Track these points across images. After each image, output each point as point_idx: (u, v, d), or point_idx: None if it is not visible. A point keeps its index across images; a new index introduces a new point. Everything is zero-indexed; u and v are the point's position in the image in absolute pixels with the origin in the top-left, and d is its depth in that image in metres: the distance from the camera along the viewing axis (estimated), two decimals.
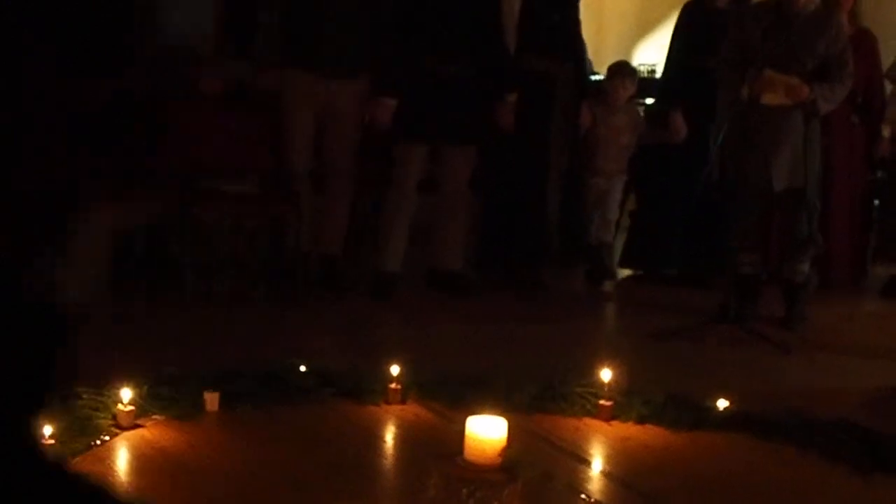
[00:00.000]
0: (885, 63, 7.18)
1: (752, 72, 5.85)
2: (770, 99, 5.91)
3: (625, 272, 7.32)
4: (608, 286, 7.06)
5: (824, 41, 5.96)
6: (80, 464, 3.70)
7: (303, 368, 4.68)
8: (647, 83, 7.97)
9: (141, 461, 3.86)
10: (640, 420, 4.51)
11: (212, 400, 4.35)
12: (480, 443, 3.58)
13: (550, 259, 6.79)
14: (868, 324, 6.43)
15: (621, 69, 7.14)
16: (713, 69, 6.25)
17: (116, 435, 4.02)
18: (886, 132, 7.11)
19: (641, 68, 8.85)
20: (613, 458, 4.20)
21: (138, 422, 4.13)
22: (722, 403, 4.60)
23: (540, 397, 4.62)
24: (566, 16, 6.62)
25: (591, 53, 9.14)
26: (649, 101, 7.75)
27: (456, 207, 6.51)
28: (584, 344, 5.67)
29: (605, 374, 4.57)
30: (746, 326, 5.94)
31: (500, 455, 3.61)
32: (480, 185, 6.63)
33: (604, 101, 6.98)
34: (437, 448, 3.92)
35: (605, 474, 4.04)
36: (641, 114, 7.32)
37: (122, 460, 3.85)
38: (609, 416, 4.52)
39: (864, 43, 6.92)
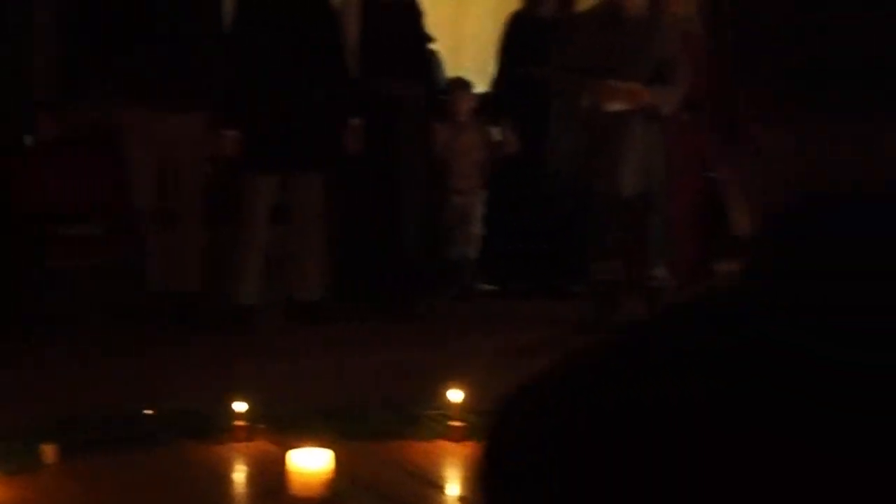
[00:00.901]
0: None
1: (591, 80, 5.86)
2: (611, 105, 5.92)
3: (485, 287, 7.23)
4: (469, 304, 6.97)
5: (657, 44, 5.99)
6: None
7: (147, 412, 4.56)
8: None
9: None
10: None
11: (49, 451, 4.20)
12: (304, 476, 3.50)
13: (417, 284, 6.71)
14: None
15: (457, 84, 7.10)
16: (543, 80, 6.25)
17: None
18: None
19: None
20: (464, 480, 4.14)
21: None
22: None
23: (391, 422, 4.55)
24: (410, 35, 6.57)
25: (452, 69, 9.12)
26: None
27: (310, 236, 6.41)
28: (441, 365, 5.58)
29: (455, 395, 4.52)
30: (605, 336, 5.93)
31: (325, 487, 3.53)
32: (335, 212, 6.53)
33: (450, 119, 6.94)
34: (272, 485, 3.83)
35: (455, 497, 3.98)
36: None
37: None
38: (461, 437, 4.46)
39: (696, 43, 6.97)
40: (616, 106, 5.93)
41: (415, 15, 6.65)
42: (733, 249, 6.95)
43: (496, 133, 7.10)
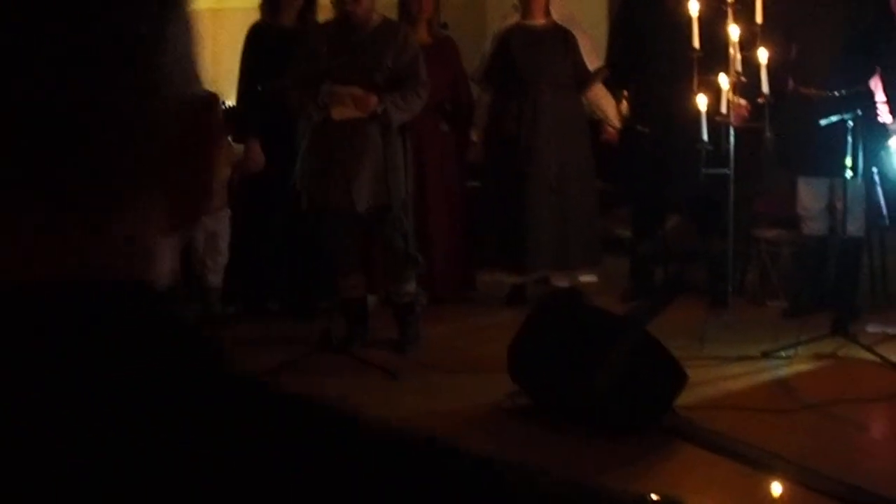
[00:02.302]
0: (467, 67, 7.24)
1: (319, 89, 5.79)
2: (340, 113, 5.84)
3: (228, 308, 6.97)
4: (213, 327, 6.76)
5: (391, 53, 5.95)
6: None
7: None
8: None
9: None
10: None
11: None
12: None
13: None
14: (479, 337, 6.39)
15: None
16: (281, 93, 6.13)
17: None
18: (476, 137, 7.16)
19: None
20: None
21: None
22: None
23: None
24: None
25: (207, 82, 8.84)
26: None
27: None
28: None
29: None
30: (353, 354, 5.86)
31: None
32: None
33: None
34: None
35: None
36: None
37: None
38: None
39: (443, 50, 6.95)
40: (346, 113, 5.85)
41: None
42: (497, 259, 6.98)
43: (239, 149, 6.91)
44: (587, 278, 7.22)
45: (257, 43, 6.68)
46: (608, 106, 7.09)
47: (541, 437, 4.86)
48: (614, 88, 7.09)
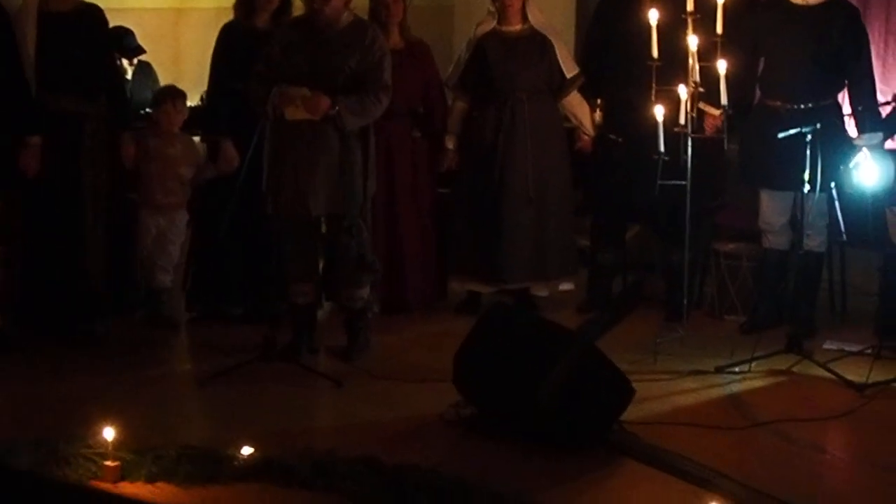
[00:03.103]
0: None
1: (274, 88, 5.67)
2: (293, 114, 5.71)
3: (191, 313, 6.80)
4: (166, 331, 6.57)
5: (356, 55, 5.82)
6: None
7: None
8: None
9: None
10: (151, 479, 4.20)
11: None
12: None
13: (100, 307, 6.32)
14: (433, 345, 6.24)
15: (170, 93, 6.75)
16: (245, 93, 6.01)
17: None
18: (451, 144, 7.03)
19: None
20: None
21: None
22: (246, 451, 4.34)
23: (41, 462, 4.22)
24: (90, 50, 6.17)
25: (171, 82, 8.77)
26: None
27: None
28: (117, 398, 5.26)
29: (108, 433, 4.23)
30: (298, 361, 5.73)
31: None
32: (10, 235, 6.09)
33: (156, 132, 6.57)
34: None
35: None
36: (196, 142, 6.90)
37: None
38: (116, 477, 4.17)
39: (416, 54, 6.81)
40: (298, 114, 5.72)
41: (95, 25, 6.27)
42: (472, 269, 6.86)
43: (205, 149, 6.78)
44: (566, 287, 7.11)
45: (229, 43, 6.55)
46: (583, 114, 6.97)
47: (483, 449, 4.75)
48: (588, 96, 6.98)
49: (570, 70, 6.89)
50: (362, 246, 5.98)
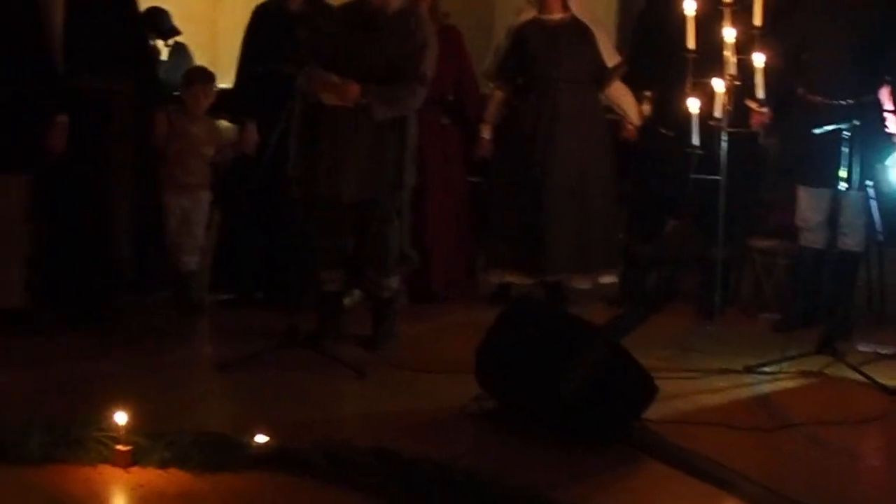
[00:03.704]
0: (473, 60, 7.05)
1: (310, 71, 5.61)
2: (329, 98, 5.66)
3: (216, 297, 6.78)
4: (191, 314, 6.53)
5: (397, 43, 5.75)
6: None
7: None
8: None
9: None
10: (163, 464, 4.14)
11: None
12: None
13: (125, 288, 6.29)
14: (459, 337, 6.14)
15: (200, 75, 6.71)
16: (289, 76, 5.94)
17: None
18: (486, 133, 6.95)
19: None
20: None
21: None
22: (260, 439, 4.28)
23: (54, 445, 4.18)
24: (118, 29, 6.13)
25: (207, 64, 8.73)
26: None
27: (12, 241, 5.94)
28: (135, 381, 5.22)
29: (121, 417, 4.18)
30: (320, 349, 5.66)
31: None
32: (38, 215, 6.06)
33: (182, 112, 6.53)
34: None
35: None
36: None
37: None
38: (128, 462, 4.12)
39: (448, 40, 6.72)
40: (332, 99, 5.66)
41: (124, 4, 6.23)
42: (511, 261, 6.77)
43: (234, 131, 6.74)
44: (607, 279, 7.02)
45: (261, 24, 6.51)
46: (628, 104, 6.87)
47: (502, 443, 4.67)
48: (637, 89, 6.87)
49: (611, 59, 6.79)
50: (400, 237, 5.92)
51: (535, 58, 6.72)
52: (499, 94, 6.94)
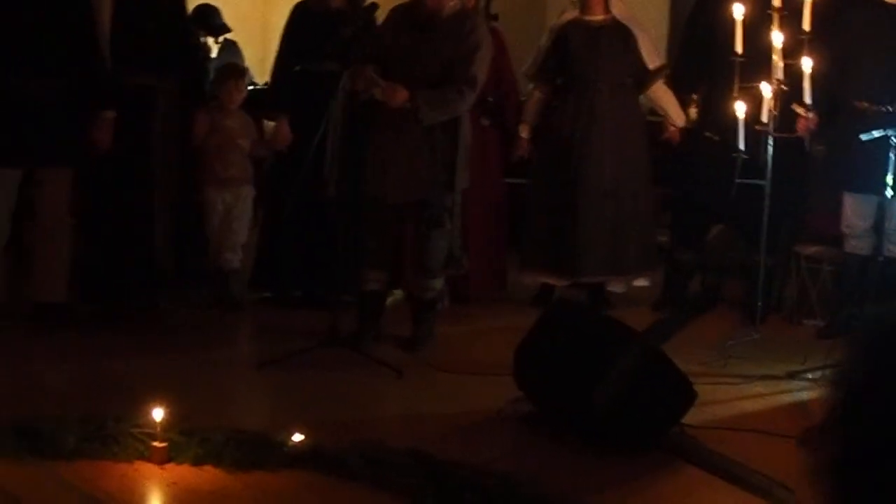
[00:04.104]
0: (523, 62, 7.03)
1: (358, 68, 5.62)
2: (379, 96, 5.68)
3: (255, 294, 6.78)
4: (231, 311, 6.53)
5: (451, 43, 5.75)
6: None
7: None
8: None
9: None
10: (197, 461, 4.15)
11: None
12: None
13: (166, 285, 6.32)
14: (499, 339, 6.12)
15: (232, 71, 6.73)
16: (327, 74, 5.96)
17: None
18: (525, 133, 6.93)
19: None
20: None
21: None
22: (295, 438, 4.29)
23: (89, 440, 4.20)
24: (164, 25, 6.17)
25: (257, 61, 8.79)
26: None
27: (55, 235, 5.99)
28: (173, 378, 5.23)
29: (157, 413, 4.20)
30: (360, 349, 5.66)
31: None
32: (82, 210, 6.11)
33: (217, 108, 6.54)
34: None
35: None
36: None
37: None
38: (163, 458, 4.14)
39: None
40: (383, 100, 5.69)
41: (174, 2, 6.27)
42: (545, 262, 6.73)
43: (269, 127, 6.76)
44: (642, 283, 6.97)
45: (301, 22, 6.52)
46: (670, 104, 6.82)
47: (538, 447, 4.65)
48: (684, 92, 6.82)
49: (653, 62, 6.74)
50: (450, 239, 5.92)
51: (575, 58, 6.69)
52: (538, 95, 6.92)
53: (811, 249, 6.83)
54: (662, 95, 6.82)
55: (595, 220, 6.69)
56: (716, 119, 6.52)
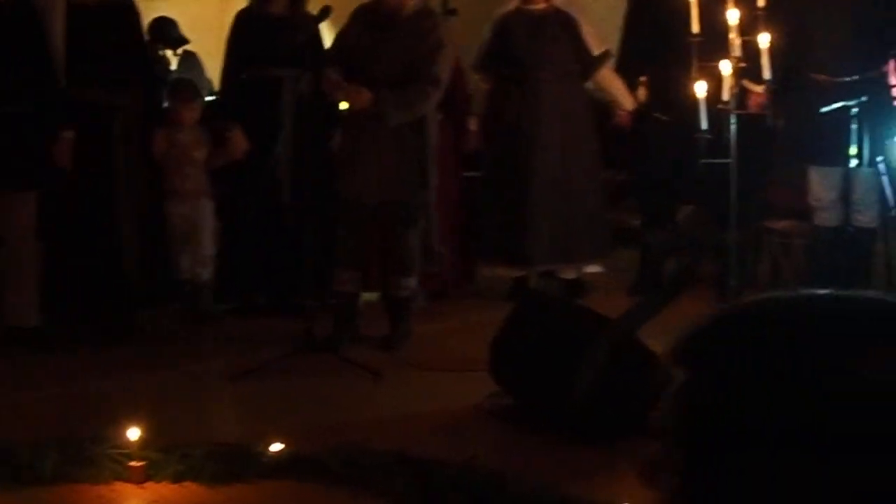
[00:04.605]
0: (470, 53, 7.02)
1: (326, 72, 5.64)
2: (343, 103, 5.68)
3: (223, 306, 6.71)
4: (202, 325, 6.46)
5: (412, 42, 5.74)
6: None
7: None
8: None
9: None
10: (177, 478, 4.13)
11: None
12: None
13: (136, 300, 6.28)
14: (476, 334, 6.08)
15: (181, 88, 6.66)
16: (277, 79, 5.94)
17: None
18: (474, 125, 6.92)
19: None
20: None
21: None
22: (275, 447, 4.26)
23: (67, 464, 4.17)
24: (120, 41, 6.12)
25: (217, 71, 8.72)
26: None
27: (23, 259, 5.95)
28: (148, 395, 5.20)
29: (133, 432, 4.17)
30: (338, 352, 5.64)
31: None
32: (46, 231, 6.06)
33: (171, 124, 6.49)
34: None
35: None
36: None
37: None
38: (142, 477, 4.11)
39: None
40: (346, 104, 5.69)
41: (129, 16, 6.22)
42: (498, 253, 6.73)
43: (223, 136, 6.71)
44: (593, 269, 6.96)
45: (245, 30, 6.48)
46: (617, 89, 6.81)
47: (520, 442, 4.65)
48: (631, 75, 6.82)
49: (597, 48, 6.73)
50: (426, 236, 5.93)
51: (518, 48, 6.68)
52: (484, 86, 6.92)
53: (781, 224, 6.84)
54: (610, 80, 6.82)
55: (544, 208, 6.69)
56: (665, 99, 6.53)
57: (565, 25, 6.68)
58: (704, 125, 5.85)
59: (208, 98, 7.37)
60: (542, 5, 6.72)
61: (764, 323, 0.96)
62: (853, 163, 5.64)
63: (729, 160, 5.94)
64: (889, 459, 0.82)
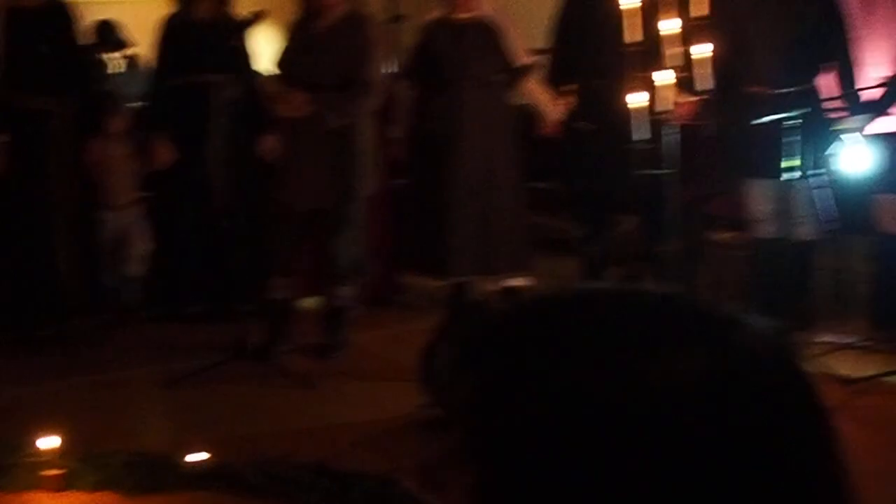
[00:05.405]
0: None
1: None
2: (283, 110, 5.66)
3: (152, 311, 6.66)
4: (131, 331, 6.44)
5: (342, 46, 5.72)
6: None
7: None
8: None
9: None
10: (96, 487, 4.07)
11: None
12: None
13: (72, 306, 6.21)
14: (413, 343, 6.03)
15: (106, 101, 6.59)
16: (208, 85, 5.89)
17: None
18: (398, 133, 6.88)
19: None
20: None
21: None
22: (198, 457, 4.21)
23: None
24: (57, 47, 6.04)
25: None
26: None
27: None
28: (76, 402, 5.13)
29: (53, 440, 4.11)
30: (270, 361, 5.58)
31: None
32: None
33: (101, 134, 6.43)
34: None
35: None
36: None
37: None
38: (59, 486, 4.05)
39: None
40: (286, 111, 5.65)
41: (63, 21, 6.14)
42: (419, 263, 6.70)
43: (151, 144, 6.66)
44: (516, 282, 6.90)
45: (172, 35, 6.41)
46: (541, 100, 6.77)
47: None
48: (558, 85, 6.77)
49: (521, 58, 6.69)
50: (355, 246, 5.87)
51: (441, 57, 6.62)
52: (408, 94, 6.88)
53: (723, 236, 6.83)
54: (534, 92, 6.78)
55: (464, 219, 6.59)
56: (593, 109, 6.50)
57: (488, 35, 6.62)
58: (642, 135, 5.82)
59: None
60: (465, 14, 6.67)
61: (542, 324, 0.90)
62: (788, 175, 5.63)
63: (661, 171, 5.91)
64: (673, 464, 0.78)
